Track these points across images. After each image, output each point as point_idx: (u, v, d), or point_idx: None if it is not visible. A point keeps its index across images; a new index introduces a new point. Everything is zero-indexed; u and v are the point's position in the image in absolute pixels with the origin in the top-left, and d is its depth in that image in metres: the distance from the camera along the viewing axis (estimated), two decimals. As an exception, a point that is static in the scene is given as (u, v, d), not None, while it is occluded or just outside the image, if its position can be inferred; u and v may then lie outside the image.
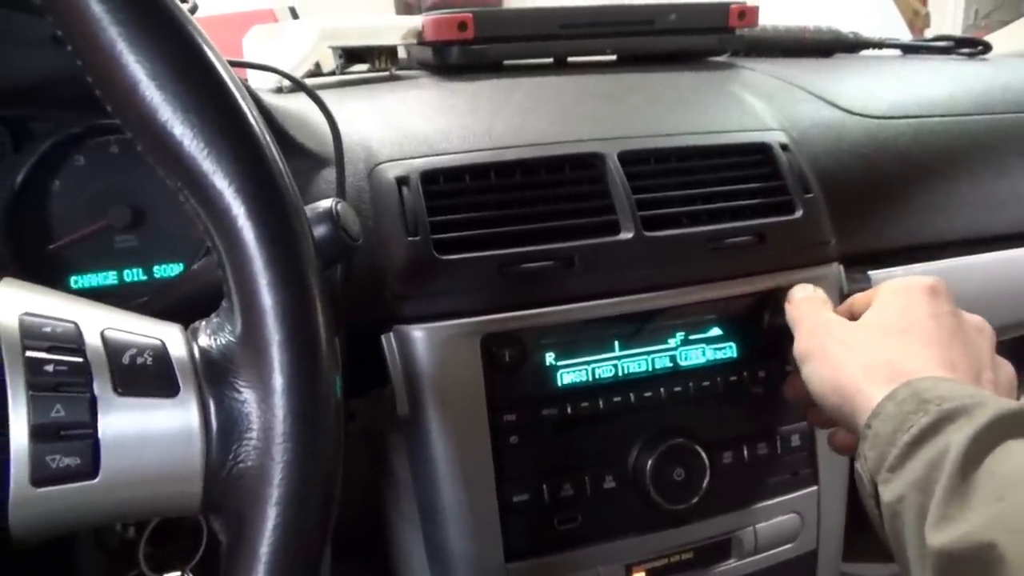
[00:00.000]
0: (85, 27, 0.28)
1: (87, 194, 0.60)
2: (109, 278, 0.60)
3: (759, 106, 0.70)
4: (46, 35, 0.49)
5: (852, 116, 0.71)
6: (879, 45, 0.97)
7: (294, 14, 1.08)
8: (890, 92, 0.77)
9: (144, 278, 0.61)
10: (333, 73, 0.82)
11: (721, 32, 0.82)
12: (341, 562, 0.57)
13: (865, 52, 0.98)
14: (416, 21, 0.77)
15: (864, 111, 0.72)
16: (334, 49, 0.77)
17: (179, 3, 0.30)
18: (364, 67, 0.81)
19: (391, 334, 0.53)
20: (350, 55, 0.78)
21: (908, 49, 0.99)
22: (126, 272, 0.61)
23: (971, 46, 0.98)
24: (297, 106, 0.61)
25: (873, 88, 0.77)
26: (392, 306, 0.53)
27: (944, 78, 0.84)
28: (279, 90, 0.70)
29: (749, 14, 0.82)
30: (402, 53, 0.84)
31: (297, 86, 0.59)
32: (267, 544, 0.28)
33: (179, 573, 0.50)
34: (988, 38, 1.06)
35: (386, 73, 0.80)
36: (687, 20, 0.81)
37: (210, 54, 0.29)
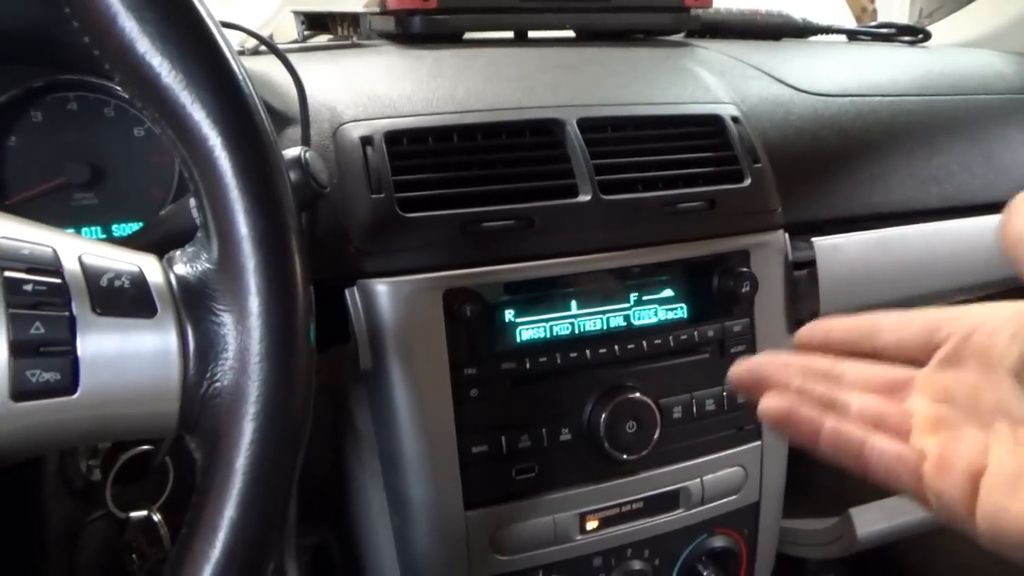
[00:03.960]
0: None
1: (44, 151, 0.59)
2: None
3: (712, 81, 0.72)
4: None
5: (799, 93, 0.75)
6: (826, 30, 1.01)
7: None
8: (835, 72, 0.80)
9: (103, 236, 0.61)
10: (296, 41, 0.82)
11: (676, 11, 0.85)
12: (303, 523, 0.58)
13: (813, 37, 1.02)
14: (379, -10, 0.78)
15: (810, 89, 0.75)
16: (296, 14, 0.77)
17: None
18: (326, 37, 0.82)
19: (354, 288, 0.55)
20: (312, 21, 0.79)
21: (853, 35, 1.03)
22: (84, 231, 0.61)
23: (912, 34, 1.03)
24: (261, 68, 0.62)
25: (819, 68, 0.81)
26: (355, 261, 0.55)
27: (886, 62, 0.88)
28: (241, 52, 0.70)
29: (703, -6, 0.85)
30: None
31: (264, 44, 0.60)
32: (244, 458, 0.29)
33: (146, 512, 0.51)
34: (930, 28, 1.12)
35: (348, 41, 0.80)
36: (643, -2, 0.83)
37: None
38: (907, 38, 1.03)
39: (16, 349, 0.28)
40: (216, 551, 0.29)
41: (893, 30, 1.03)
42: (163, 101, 0.30)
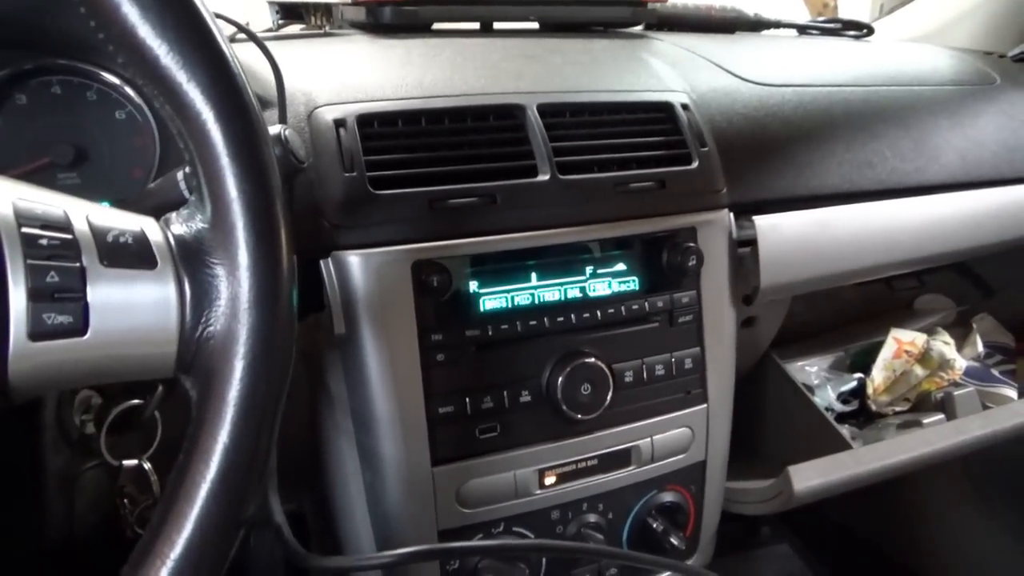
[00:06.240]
0: None
1: (29, 132, 0.62)
2: None
3: (665, 71, 0.77)
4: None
5: (746, 83, 0.80)
6: (776, 25, 1.07)
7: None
8: (780, 64, 0.86)
9: None
10: (270, 30, 0.86)
11: (634, 5, 0.90)
12: (280, 489, 0.62)
13: (765, 31, 1.08)
14: (352, -19, 0.82)
15: (756, 79, 0.81)
16: (271, 4, 0.81)
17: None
18: (299, 27, 0.85)
19: (329, 260, 0.59)
20: (287, 11, 0.82)
21: (802, 29, 1.09)
22: None
23: (857, 29, 1.09)
24: (239, 54, 0.65)
25: (766, 60, 0.86)
26: (329, 235, 0.59)
27: (828, 55, 0.94)
28: (219, 40, 0.73)
29: (660, -11, 0.90)
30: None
31: (242, 31, 0.64)
32: (235, 391, 0.34)
33: (137, 461, 0.55)
34: (878, 23, 1.18)
35: (321, 31, 0.84)
36: (603, -9, 0.88)
37: None
38: (852, 33, 1.09)
39: (33, 294, 0.32)
40: (211, 471, 0.33)
41: (839, 25, 1.09)
42: (161, 79, 0.34)
